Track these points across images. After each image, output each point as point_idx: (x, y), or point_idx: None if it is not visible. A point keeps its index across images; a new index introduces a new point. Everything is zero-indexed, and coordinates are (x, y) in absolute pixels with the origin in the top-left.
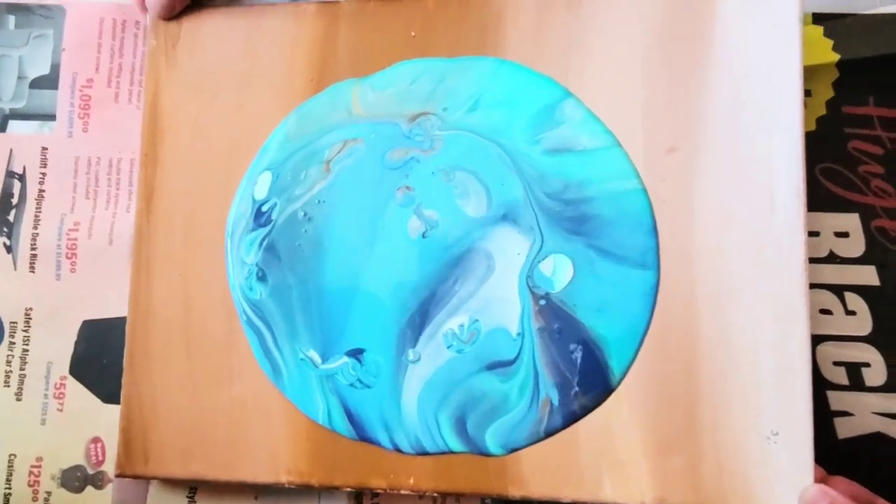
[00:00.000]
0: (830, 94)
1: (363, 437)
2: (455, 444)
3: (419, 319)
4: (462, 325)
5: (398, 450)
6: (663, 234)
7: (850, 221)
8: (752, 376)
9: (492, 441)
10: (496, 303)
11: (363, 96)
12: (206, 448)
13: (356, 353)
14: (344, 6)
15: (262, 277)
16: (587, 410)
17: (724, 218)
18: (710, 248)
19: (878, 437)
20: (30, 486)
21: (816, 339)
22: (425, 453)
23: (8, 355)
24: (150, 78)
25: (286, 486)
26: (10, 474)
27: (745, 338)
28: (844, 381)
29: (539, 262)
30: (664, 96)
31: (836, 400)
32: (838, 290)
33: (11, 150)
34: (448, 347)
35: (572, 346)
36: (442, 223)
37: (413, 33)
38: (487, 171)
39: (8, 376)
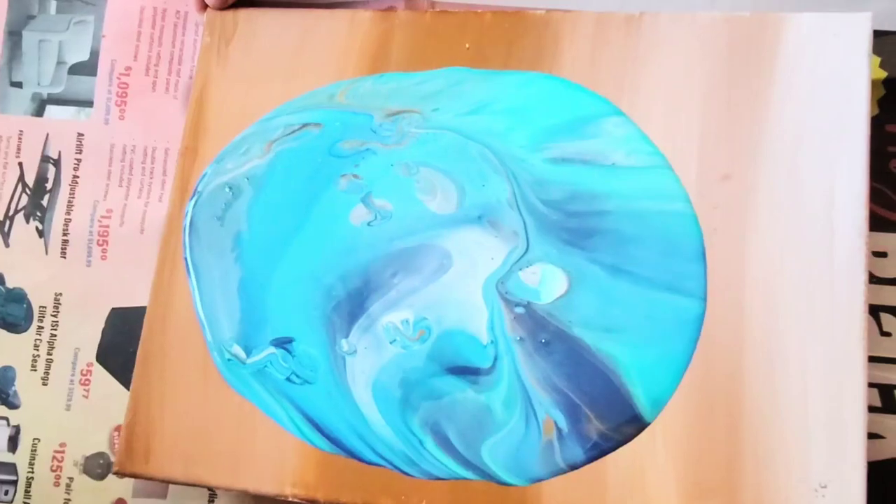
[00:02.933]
0: (875, 111)
1: (344, 449)
2: (456, 467)
3: (348, 308)
4: (406, 321)
5: (404, 472)
6: (713, 263)
7: (889, 241)
8: (801, 423)
9: (494, 462)
10: (452, 304)
11: (358, 87)
12: (210, 453)
13: (284, 343)
14: (400, 15)
15: (190, 269)
16: (613, 443)
17: (778, 252)
18: (762, 284)
19: None
20: (52, 471)
21: None
22: (435, 478)
23: (36, 339)
24: (200, 73)
25: (290, 499)
26: (32, 458)
27: (796, 382)
28: (877, 402)
29: (520, 269)
30: (722, 123)
31: (868, 422)
32: (874, 310)
33: (48, 135)
34: (391, 343)
35: (571, 365)
36: (397, 215)
37: (468, 45)
38: (465, 171)
39: (35, 360)
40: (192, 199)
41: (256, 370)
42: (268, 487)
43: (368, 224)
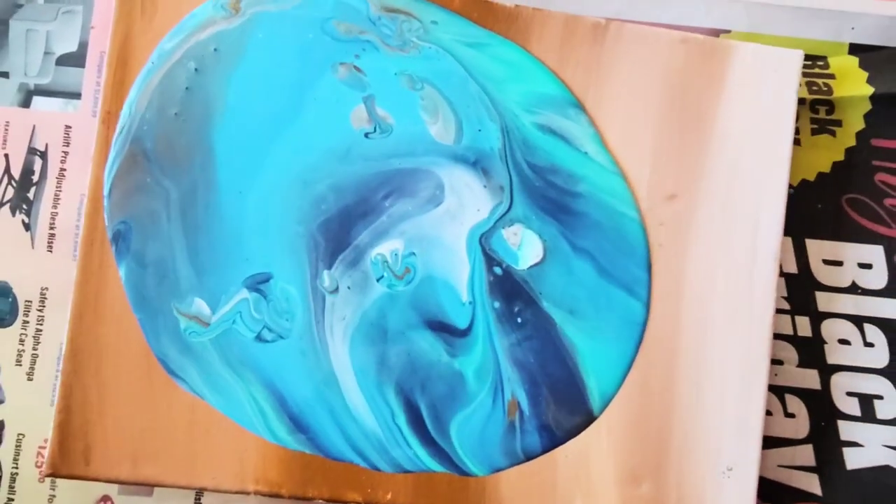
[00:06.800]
0: (861, 125)
1: (309, 435)
2: (422, 452)
3: (336, 229)
4: (395, 253)
5: (370, 466)
6: (657, 275)
7: (874, 253)
8: (718, 420)
9: (460, 442)
10: (438, 246)
11: None
12: (162, 451)
13: (259, 283)
14: None
15: (123, 236)
16: (565, 433)
17: (711, 271)
18: (697, 299)
19: (886, 470)
20: (37, 467)
21: (831, 369)
22: (401, 470)
23: (21, 334)
24: (120, 24)
25: (252, 495)
26: (17, 454)
27: (716, 386)
28: (857, 412)
29: (503, 227)
30: (673, 144)
31: (847, 430)
32: (858, 321)
33: (35, 127)
34: (378, 280)
35: (539, 340)
36: (397, 132)
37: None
38: (465, 108)
39: (20, 355)
40: (119, 128)
41: (220, 333)
42: (228, 485)
43: (366, 135)
